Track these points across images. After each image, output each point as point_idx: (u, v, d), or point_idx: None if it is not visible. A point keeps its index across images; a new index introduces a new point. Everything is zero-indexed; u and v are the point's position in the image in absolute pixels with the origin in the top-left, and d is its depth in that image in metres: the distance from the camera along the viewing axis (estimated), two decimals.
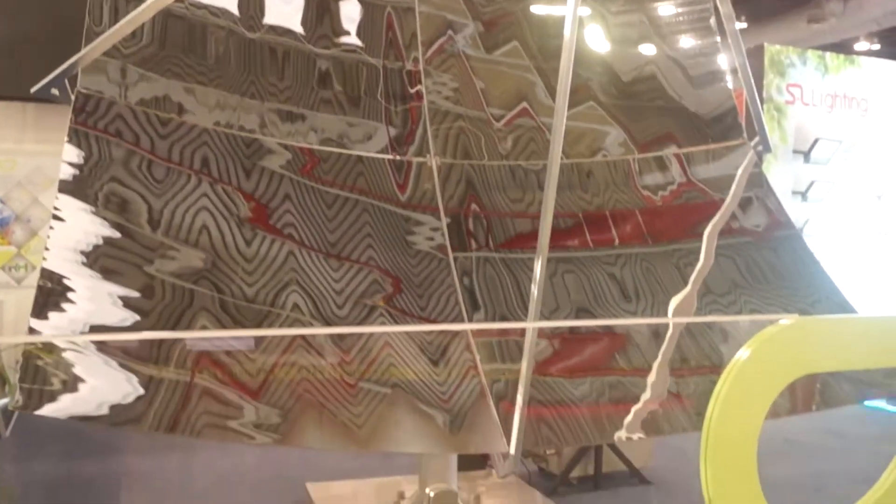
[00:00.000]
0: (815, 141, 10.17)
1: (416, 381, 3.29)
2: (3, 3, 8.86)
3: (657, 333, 3.84)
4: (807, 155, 10.09)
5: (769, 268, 4.53)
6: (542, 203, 2.98)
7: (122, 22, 3.64)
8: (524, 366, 3.11)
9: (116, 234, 3.34)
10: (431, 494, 3.94)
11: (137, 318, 3.05)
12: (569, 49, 2.89)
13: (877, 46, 20.31)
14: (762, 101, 9.33)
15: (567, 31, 2.95)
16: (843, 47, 17.10)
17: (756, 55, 9.74)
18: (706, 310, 4.16)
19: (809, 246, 4.60)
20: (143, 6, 3.59)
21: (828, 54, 10.64)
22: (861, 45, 14.68)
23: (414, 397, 3.22)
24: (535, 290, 3.05)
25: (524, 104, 4.79)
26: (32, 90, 3.82)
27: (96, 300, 3.04)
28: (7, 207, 9.55)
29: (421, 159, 4.48)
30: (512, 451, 3.11)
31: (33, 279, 8.63)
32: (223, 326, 3.26)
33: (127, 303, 3.08)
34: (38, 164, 10.32)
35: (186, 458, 6.37)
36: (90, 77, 3.78)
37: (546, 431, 3.26)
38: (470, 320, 3.68)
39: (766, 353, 1.85)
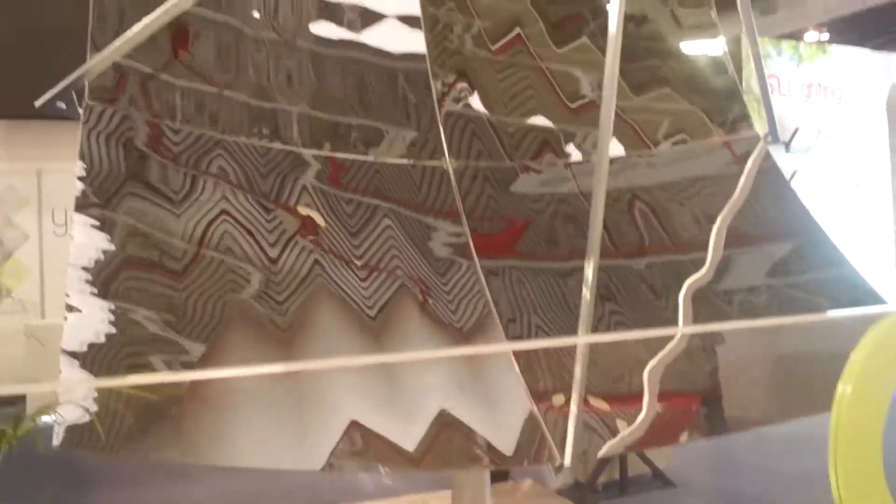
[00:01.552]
0: (795, 130, 10.25)
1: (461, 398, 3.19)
2: None
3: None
4: (787, 145, 10.17)
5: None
6: (592, 206, 2.89)
7: (133, 31, 3.51)
8: (577, 379, 3.03)
9: (140, 254, 3.20)
10: None
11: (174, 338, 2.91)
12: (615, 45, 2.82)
13: (826, 36, 20.69)
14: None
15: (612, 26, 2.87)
16: (793, 37, 17.36)
17: (733, 47, 9.78)
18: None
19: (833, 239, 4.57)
20: (156, 13, 3.46)
21: (801, 44, 10.74)
22: (811, 35, 14.89)
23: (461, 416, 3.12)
24: (586, 297, 2.95)
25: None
26: (37, 103, 3.67)
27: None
28: None
29: (436, 163, 4.39)
30: (567, 462, 3.03)
31: (8, 305, 8.32)
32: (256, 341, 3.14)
33: (161, 324, 2.94)
34: (10, 183, 10.04)
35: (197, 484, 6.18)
36: (99, 88, 3.62)
37: (597, 441, 3.18)
38: (506, 331, 3.58)
39: (882, 349, 1.80)
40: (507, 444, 3.05)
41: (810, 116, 10.51)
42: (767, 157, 4.84)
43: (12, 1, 9.27)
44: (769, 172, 4.80)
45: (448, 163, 4.34)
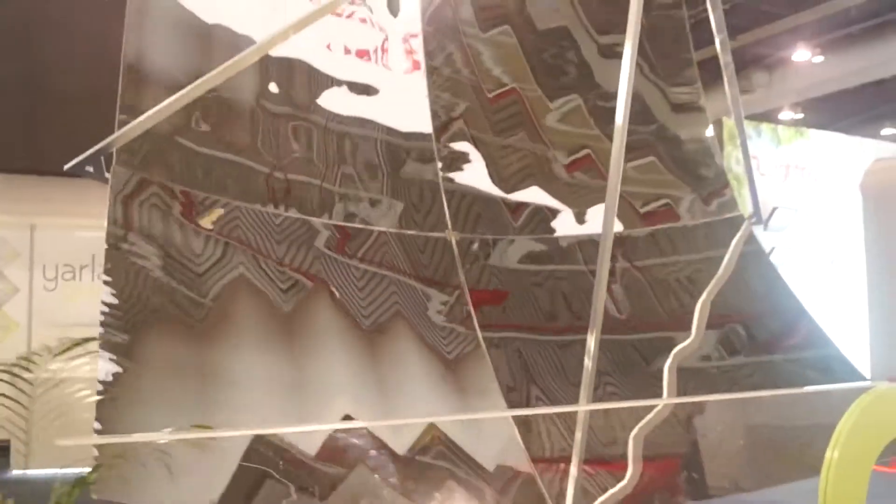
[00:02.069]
0: (773, 209, 10.61)
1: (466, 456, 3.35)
2: None
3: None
4: (765, 223, 10.49)
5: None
6: (596, 280, 3.10)
7: (164, 104, 3.71)
8: (577, 443, 3.20)
9: (170, 311, 3.37)
10: None
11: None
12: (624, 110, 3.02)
13: (800, 115, 21.38)
14: None
15: (620, 106, 3.09)
16: (769, 116, 17.97)
17: (714, 128, 10.18)
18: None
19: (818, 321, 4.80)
20: (186, 89, 3.66)
21: (780, 126, 11.18)
22: (785, 115, 15.47)
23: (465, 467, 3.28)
24: (588, 367, 3.14)
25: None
26: (66, 167, 3.83)
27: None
28: None
29: (439, 234, 4.60)
30: None
31: None
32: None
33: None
34: (3, 235, 10.14)
35: None
36: (126, 153, 3.81)
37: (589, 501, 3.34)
38: (506, 399, 3.75)
39: (867, 419, 2.00)
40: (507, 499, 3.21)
41: (788, 196, 10.90)
42: (752, 237, 5.10)
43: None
44: (754, 252, 5.06)
45: (451, 234, 4.56)
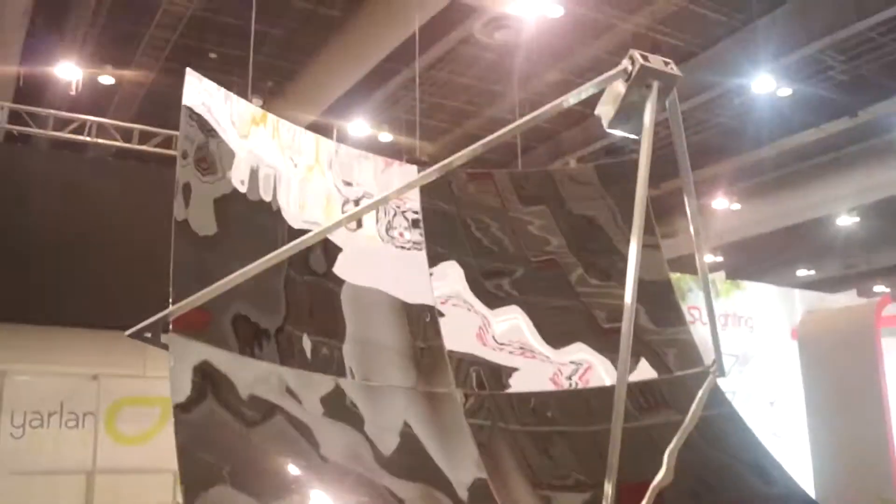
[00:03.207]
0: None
1: None
2: None
3: None
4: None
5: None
6: (612, 430, 3.62)
7: (219, 284, 4.24)
8: None
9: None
10: None
11: None
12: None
13: (720, 258, 22.82)
14: None
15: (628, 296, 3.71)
16: (690, 260, 19.11)
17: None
18: None
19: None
20: (243, 270, 4.21)
21: (717, 279, 12.14)
22: (707, 258, 16.74)
23: None
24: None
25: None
26: (127, 333, 4.31)
27: None
28: None
29: (444, 390, 5.14)
30: None
31: None
32: None
33: None
34: None
35: None
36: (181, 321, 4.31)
37: None
38: None
39: None
40: None
41: (727, 344, 11.74)
42: (716, 388, 5.78)
43: None
44: (719, 402, 5.71)
45: (455, 392, 5.11)
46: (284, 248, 4.10)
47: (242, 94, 6.81)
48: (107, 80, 16.14)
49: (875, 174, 16.84)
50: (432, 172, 3.86)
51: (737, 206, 18.78)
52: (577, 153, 18.56)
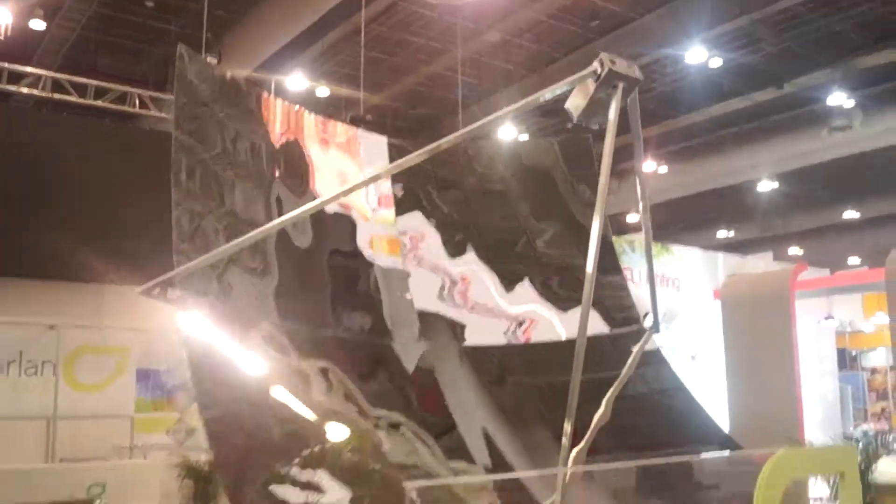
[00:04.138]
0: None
1: None
2: None
3: None
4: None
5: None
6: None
7: (220, 250, 4.66)
8: None
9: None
10: None
11: None
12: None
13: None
14: None
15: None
16: (620, 217, 20.03)
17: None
18: None
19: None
20: (242, 238, 4.63)
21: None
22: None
23: None
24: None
25: None
26: (138, 290, 4.71)
27: None
28: (172, 377, 9.71)
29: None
30: None
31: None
32: None
33: None
34: None
35: None
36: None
37: None
38: None
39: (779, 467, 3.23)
40: None
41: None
42: (653, 343, 6.46)
43: None
44: (653, 354, 6.41)
45: None
46: (281, 218, 4.55)
47: (188, 44, 6.83)
48: (38, 24, 15.56)
49: (797, 143, 17.72)
50: (423, 153, 4.34)
51: (664, 169, 19.59)
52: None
